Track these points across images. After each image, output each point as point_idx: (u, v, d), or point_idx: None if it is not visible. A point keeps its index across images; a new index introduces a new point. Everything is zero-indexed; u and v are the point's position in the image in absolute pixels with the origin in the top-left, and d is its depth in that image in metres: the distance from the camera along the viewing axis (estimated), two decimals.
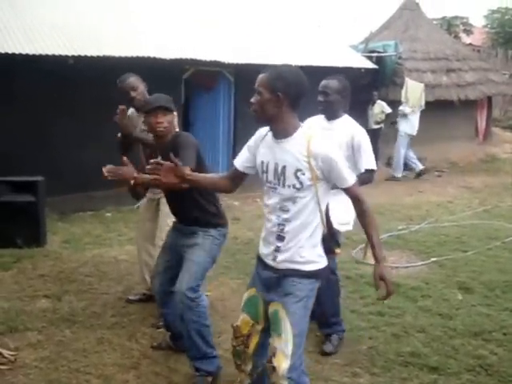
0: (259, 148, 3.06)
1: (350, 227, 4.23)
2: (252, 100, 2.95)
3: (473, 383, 3.96)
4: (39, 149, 8.20)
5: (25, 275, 5.87)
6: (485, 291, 5.65)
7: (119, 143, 4.83)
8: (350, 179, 2.92)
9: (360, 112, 12.22)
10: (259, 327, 3.08)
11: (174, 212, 4.06)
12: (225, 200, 7.83)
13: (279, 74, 2.89)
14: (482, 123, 16.44)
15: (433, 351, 4.38)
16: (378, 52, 13.59)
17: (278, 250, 2.98)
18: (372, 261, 3.03)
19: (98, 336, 4.52)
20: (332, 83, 4.27)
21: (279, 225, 2.96)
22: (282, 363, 2.85)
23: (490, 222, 8.62)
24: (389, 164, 13.73)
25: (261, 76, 2.93)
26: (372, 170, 4.31)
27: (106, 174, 3.54)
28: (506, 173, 13.69)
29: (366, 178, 4.27)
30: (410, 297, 5.47)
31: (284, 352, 2.86)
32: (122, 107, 4.54)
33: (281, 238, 2.97)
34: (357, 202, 2.96)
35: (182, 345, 4.23)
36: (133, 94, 4.78)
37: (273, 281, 3.01)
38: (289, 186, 2.90)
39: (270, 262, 3.03)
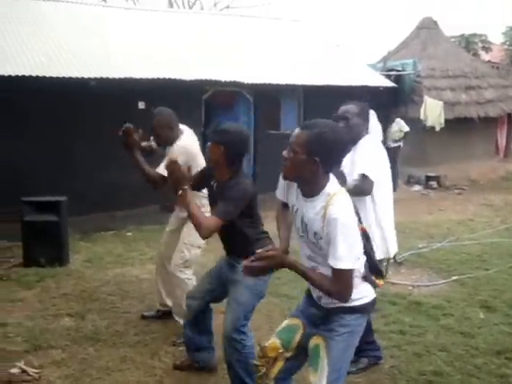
0: (290, 187, 2.93)
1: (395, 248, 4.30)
2: (284, 154, 2.72)
3: None
4: (61, 169, 8.34)
5: (48, 294, 5.94)
6: (507, 309, 5.60)
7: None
8: (339, 263, 2.62)
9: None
10: (287, 354, 2.99)
11: (222, 241, 3.88)
12: None
13: (320, 135, 2.64)
14: (502, 140, 16.37)
15: (455, 370, 4.35)
16: (397, 70, 13.66)
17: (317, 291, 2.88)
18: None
19: (121, 354, 4.55)
20: (350, 107, 4.28)
21: (312, 267, 2.85)
22: None
23: (511, 240, 8.56)
24: (409, 182, 13.72)
25: (298, 133, 2.70)
26: (365, 177, 4.10)
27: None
28: None
29: (359, 187, 4.10)
30: (432, 315, 5.45)
31: None
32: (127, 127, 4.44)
33: None
34: (333, 287, 2.68)
35: (202, 360, 4.24)
36: (154, 136, 4.72)
37: (319, 317, 2.92)
38: (311, 242, 2.79)
39: (316, 298, 2.94)
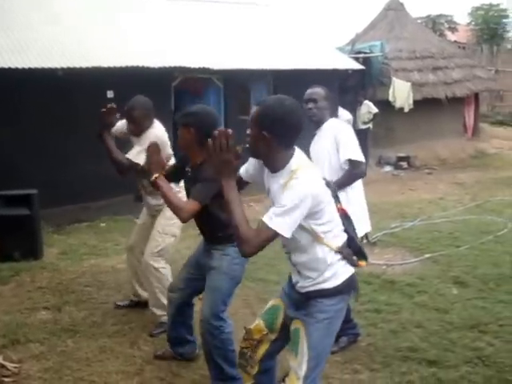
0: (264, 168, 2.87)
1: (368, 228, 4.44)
2: (247, 132, 2.74)
3: (471, 375, 4.01)
4: (33, 161, 8.22)
5: (23, 288, 5.88)
6: (479, 285, 5.73)
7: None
8: (268, 218, 2.56)
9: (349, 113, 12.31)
10: (272, 337, 3.02)
11: (198, 227, 3.87)
12: None
13: (265, 109, 2.66)
14: (470, 119, 16.57)
15: (431, 345, 4.44)
16: (365, 53, 13.71)
17: (296, 273, 2.91)
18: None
19: (100, 345, 4.55)
20: (318, 90, 4.37)
21: (286, 253, 2.91)
22: None
23: (481, 216, 8.71)
24: (379, 163, 13.85)
25: (253, 109, 2.74)
26: (357, 162, 4.29)
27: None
28: (496, 168, 13.83)
29: (352, 172, 4.31)
30: (406, 293, 5.54)
31: (297, 373, 2.79)
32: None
33: (292, 263, 2.90)
34: (247, 234, 2.59)
35: (184, 353, 4.26)
36: (131, 126, 4.66)
37: (299, 301, 2.92)
38: None
39: (294, 282, 2.96)
